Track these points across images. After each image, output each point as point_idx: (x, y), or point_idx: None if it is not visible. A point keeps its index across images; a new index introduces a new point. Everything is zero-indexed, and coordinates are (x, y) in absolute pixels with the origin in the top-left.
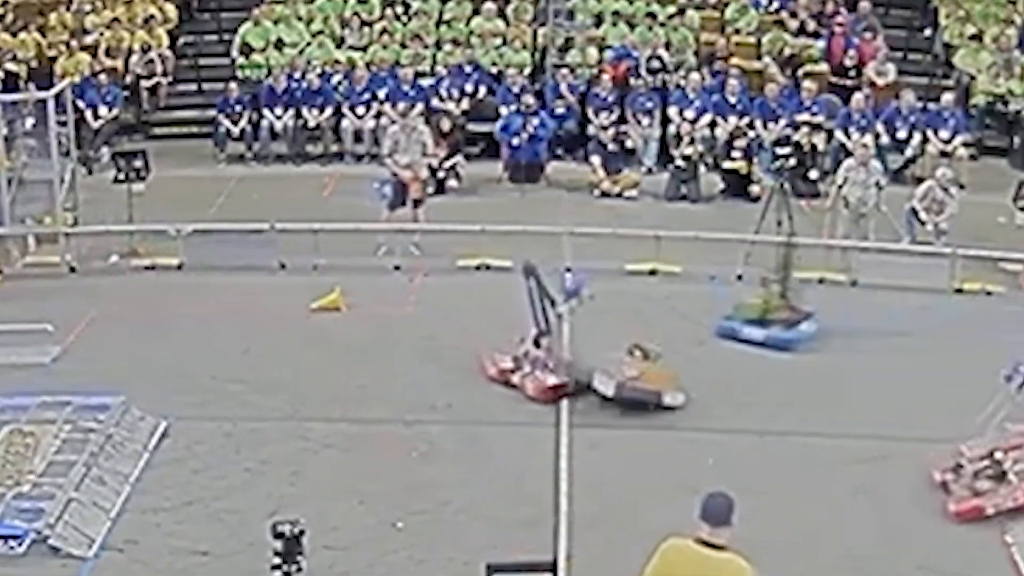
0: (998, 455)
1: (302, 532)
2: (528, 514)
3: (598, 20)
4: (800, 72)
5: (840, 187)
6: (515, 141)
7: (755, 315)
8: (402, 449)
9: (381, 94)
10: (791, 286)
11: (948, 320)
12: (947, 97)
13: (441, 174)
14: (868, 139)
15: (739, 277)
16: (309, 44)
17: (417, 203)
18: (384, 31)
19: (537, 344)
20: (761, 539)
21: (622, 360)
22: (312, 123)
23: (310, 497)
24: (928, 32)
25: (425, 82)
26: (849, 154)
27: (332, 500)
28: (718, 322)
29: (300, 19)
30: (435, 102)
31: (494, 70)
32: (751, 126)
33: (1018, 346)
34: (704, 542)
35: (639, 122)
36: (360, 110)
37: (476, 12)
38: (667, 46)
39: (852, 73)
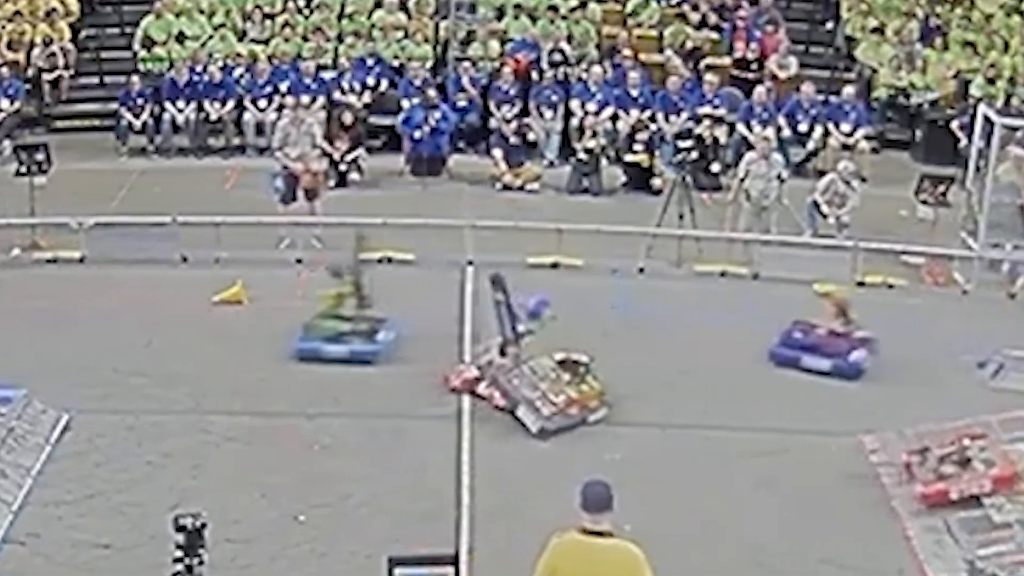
0: (965, 441)
1: (204, 525)
2: (430, 507)
3: (500, 13)
4: (702, 65)
5: (742, 180)
6: (417, 134)
7: (332, 331)
8: (304, 442)
9: (283, 87)
10: (364, 281)
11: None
12: (848, 90)
13: (343, 167)
14: (770, 132)
15: (641, 270)
16: (211, 37)
17: (311, 195)
18: (286, 24)
19: (503, 353)
20: (663, 532)
21: (549, 384)
22: (214, 116)
23: (212, 490)
24: (830, 25)
25: (327, 75)
26: (751, 147)
27: (234, 493)
28: (297, 344)
29: (202, 12)
30: (337, 95)
31: (396, 63)
32: (653, 119)
33: (920, 339)
34: (588, 531)
35: (542, 115)
36: (262, 103)
37: (378, 5)
38: (569, 39)
39: (754, 66)
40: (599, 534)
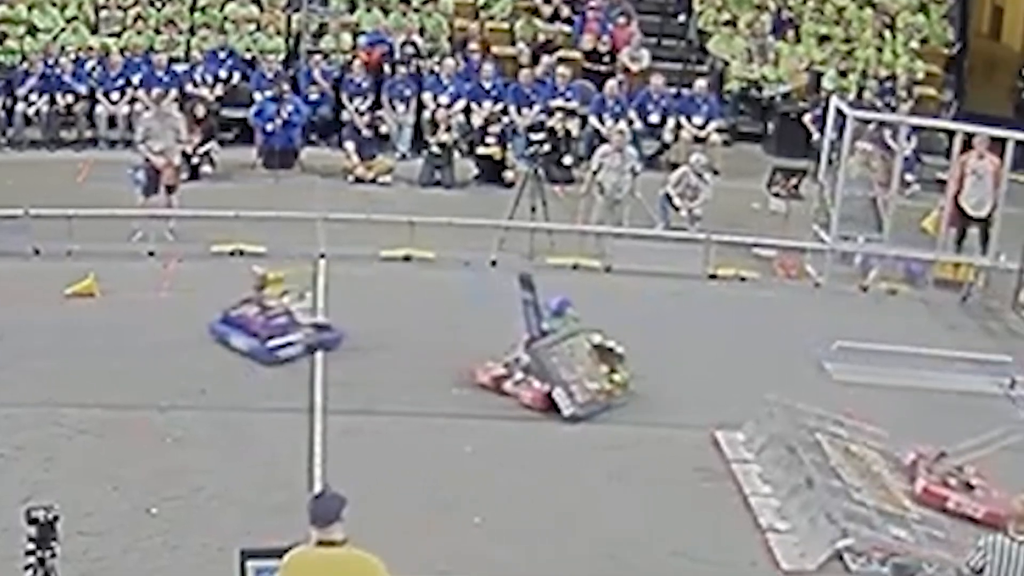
0: (968, 469)
1: (56, 518)
2: (282, 500)
3: (352, 6)
4: (554, 58)
5: (595, 173)
6: (269, 127)
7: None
8: (156, 435)
9: (135, 80)
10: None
11: (702, 306)
12: (700, 83)
13: (195, 160)
14: (624, 125)
15: (493, 263)
16: (63, 30)
17: (171, 189)
18: (138, 17)
19: (528, 349)
20: (515, 525)
21: (586, 369)
22: (66, 109)
23: (64, 483)
24: (682, 18)
25: (179, 68)
26: (603, 140)
27: (86, 486)
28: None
29: (54, 5)
30: (189, 88)
31: (248, 56)
32: (505, 112)
33: (771, 332)
34: (321, 542)
35: (394, 108)
36: (114, 96)
37: None
38: (421, 32)
39: (606, 59)
40: (332, 543)
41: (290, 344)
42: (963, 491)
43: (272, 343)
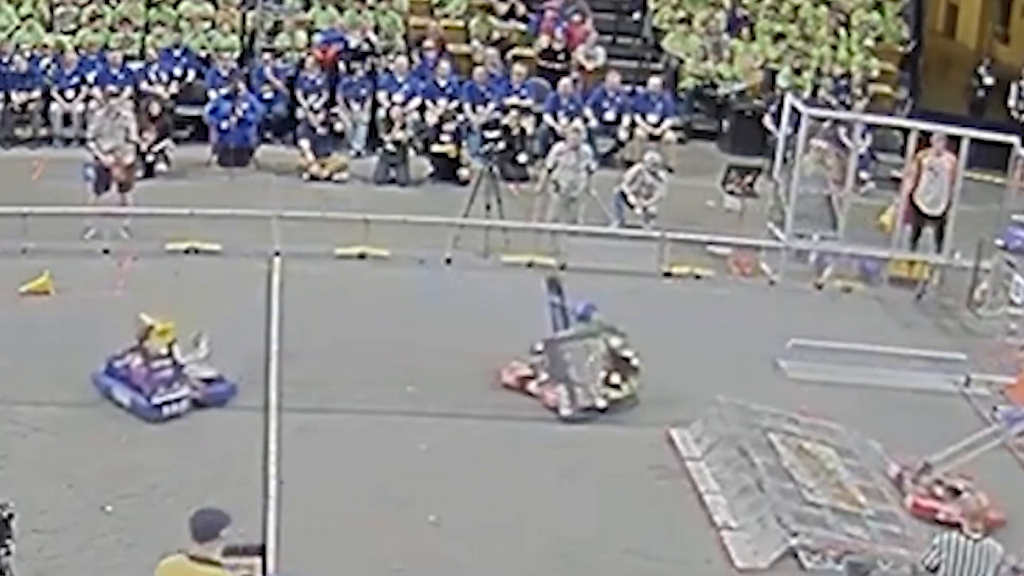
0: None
1: (11, 516)
2: (237, 497)
3: (307, 4)
4: (509, 56)
5: (551, 171)
6: (224, 125)
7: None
8: (111, 433)
9: (90, 77)
10: None
11: (657, 303)
12: (654, 81)
13: (150, 158)
14: (578, 123)
15: (448, 261)
16: (18, 27)
17: (124, 187)
18: (94, 15)
19: (547, 351)
20: (469, 522)
21: (596, 375)
22: (20, 107)
23: (19, 480)
24: (637, 16)
25: (134, 66)
26: (558, 138)
27: (41, 484)
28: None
29: (9, 2)
30: (144, 85)
31: (203, 54)
32: (460, 110)
33: (726, 329)
34: (193, 556)
35: (349, 106)
36: (69, 93)
37: None
38: (376, 30)
39: (561, 57)
40: (204, 561)
41: (176, 400)
42: (951, 499)
43: (156, 399)
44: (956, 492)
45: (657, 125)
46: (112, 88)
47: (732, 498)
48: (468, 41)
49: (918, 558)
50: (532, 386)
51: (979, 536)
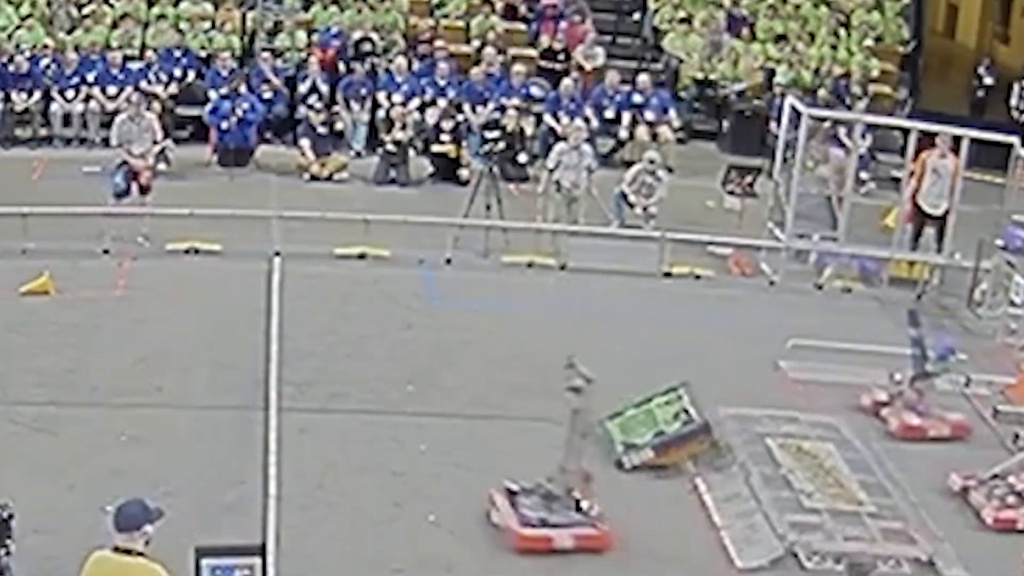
0: (1011, 479)
1: (11, 516)
2: (236, 497)
3: (307, 4)
4: (509, 56)
5: (552, 171)
6: (224, 125)
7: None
8: (111, 433)
9: (90, 78)
10: None
11: (657, 303)
12: (643, 78)
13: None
14: (580, 123)
15: (448, 261)
16: (19, 28)
17: (145, 191)
18: (94, 15)
19: (912, 385)
20: (469, 523)
21: None
22: (21, 107)
23: (19, 481)
24: (637, 16)
25: (134, 66)
26: (558, 138)
27: (41, 484)
28: None
29: (10, 3)
30: (144, 85)
31: (203, 54)
32: (460, 110)
33: (726, 329)
34: (118, 548)
35: (349, 106)
36: (69, 94)
37: None
38: (376, 29)
39: (561, 57)
40: (128, 552)
41: None
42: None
43: None
44: (1019, 494)
45: (656, 124)
46: (113, 88)
47: (727, 501)
48: (468, 41)
49: (919, 551)
50: (884, 411)
51: None
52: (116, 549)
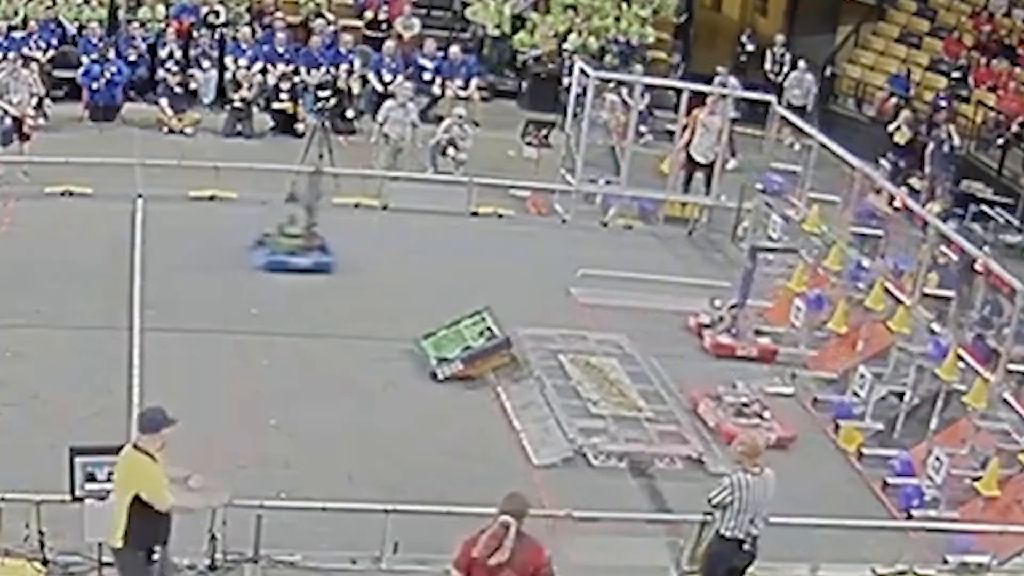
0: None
1: None
2: (105, 405)
3: None
4: (339, 25)
5: (381, 124)
6: (95, 85)
7: (294, 247)
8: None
9: None
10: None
11: (465, 239)
12: (454, 50)
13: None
14: (407, 83)
15: (287, 200)
16: None
17: (25, 137)
18: None
19: (731, 312)
20: (304, 427)
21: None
22: None
23: None
24: None
25: (17, 35)
26: (382, 97)
27: None
28: (263, 258)
29: None
30: (26, 51)
31: (75, 26)
32: (296, 72)
33: (525, 260)
34: (137, 447)
35: (202, 68)
36: None
37: None
38: (222, 2)
39: (383, 27)
40: (142, 451)
41: None
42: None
43: None
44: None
45: (464, 87)
46: (11, 54)
47: (526, 410)
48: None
49: (690, 450)
50: (706, 333)
51: (759, 471)
52: (135, 447)
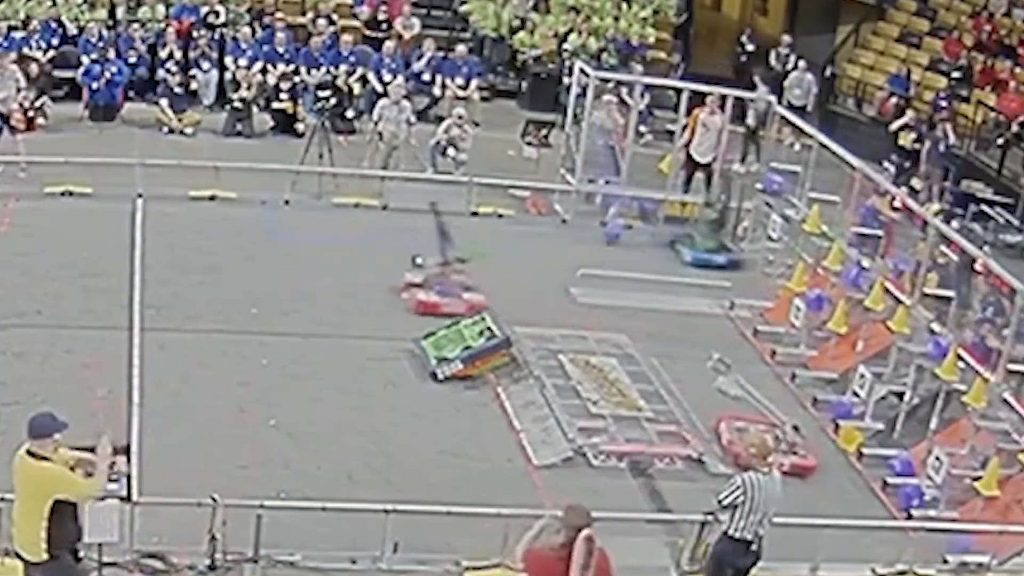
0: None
1: None
2: (105, 404)
3: None
4: (339, 26)
5: (376, 123)
6: (95, 85)
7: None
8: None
9: None
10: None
11: (465, 239)
12: (460, 48)
13: (31, 113)
14: (400, 80)
15: (286, 202)
16: None
17: (15, 131)
18: None
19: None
20: (304, 427)
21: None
22: None
23: None
24: None
25: (18, 35)
26: (380, 96)
27: None
28: (693, 253)
29: None
30: (26, 51)
31: (76, 25)
32: (296, 72)
33: (524, 260)
34: (30, 452)
35: (202, 69)
36: None
37: None
38: (222, 2)
39: (383, 27)
40: (32, 456)
41: None
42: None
43: None
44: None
45: (464, 86)
46: None
47: (526, 410)
48: (303, 13)
49: (691, 450)
50: (419, 293)
51: (768, 471)
52: (29, 452)
